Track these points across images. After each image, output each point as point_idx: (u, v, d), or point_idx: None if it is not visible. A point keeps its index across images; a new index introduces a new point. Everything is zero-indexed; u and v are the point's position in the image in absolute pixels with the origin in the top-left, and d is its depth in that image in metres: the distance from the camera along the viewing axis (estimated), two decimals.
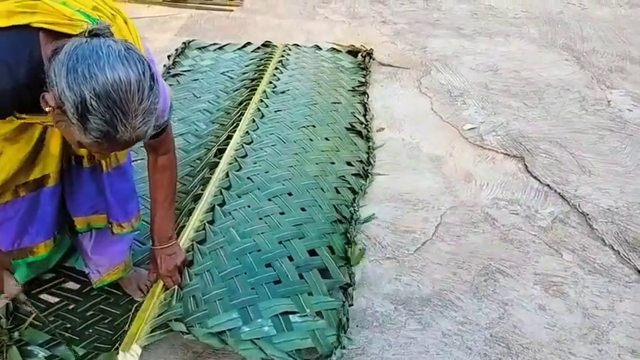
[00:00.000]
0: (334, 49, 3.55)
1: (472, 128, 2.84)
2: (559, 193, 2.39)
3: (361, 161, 2.51)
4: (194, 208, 2.10)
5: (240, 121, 2.68)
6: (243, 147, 2.48)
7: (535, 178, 2.49)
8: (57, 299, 1.82)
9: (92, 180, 1.57)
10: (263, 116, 2.74)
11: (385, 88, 3.21)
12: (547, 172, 2.52)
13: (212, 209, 2.10)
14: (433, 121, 2.91)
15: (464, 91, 3.20)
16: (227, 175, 2.29)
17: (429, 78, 3.33)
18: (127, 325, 1.69)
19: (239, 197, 2.17)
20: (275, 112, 2.79)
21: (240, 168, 2.34)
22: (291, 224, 2.02)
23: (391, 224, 2.22)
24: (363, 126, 2.76)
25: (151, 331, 1.61)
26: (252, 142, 2.53)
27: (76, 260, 1.83)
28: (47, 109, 1.14)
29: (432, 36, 3.89)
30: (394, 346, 1.73)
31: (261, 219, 2.05)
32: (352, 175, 2.40)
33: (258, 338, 1.58)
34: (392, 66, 3.44)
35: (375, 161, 2.55)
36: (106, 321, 1.73)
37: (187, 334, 1.58)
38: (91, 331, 1.71)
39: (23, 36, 1.19)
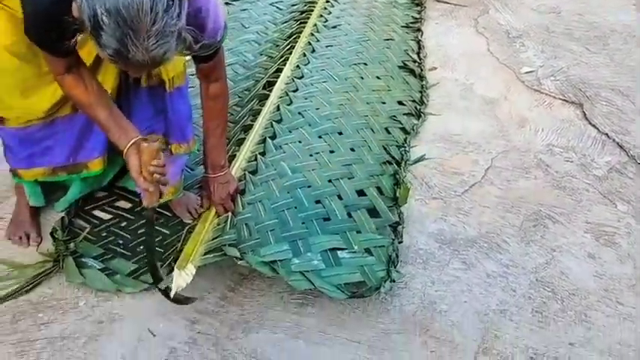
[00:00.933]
0: None
1: (530, 72, 2.73)
2: (617, 143, 2.29)
3: (414, 100, 2.45)
4: (244, 138, 2.10)
5: (290, 54, 2.63)
6: (294, 81, 2.44)
7: (593, 126, 2.39)
8: (109, 216, 1.88)
9: (150, 99, 1.58)
10: (314, 51, 2.68)
11: (440, 26, 3.09)
12: (606, 120, 2.41)
13: (263, 141, 2.09)
14: (489, 63, 2.80)
15: (523, 32, 3.05)
16: (278, 108, 2.27)
17: (486, 17, 3.18)
18: (178, 244, 1.74)
19: (290, 132, 2.15)
20: (326, 47, 2.73)
21: (291, 102, 2.31)
22: (340, 164, 2.01)
23: (439, 165, 2.18)
24: (417, 64, 2.68)
25: (205, 254, 1.65)
26: (302, 76, 2.49)
27: (128, 180, 1.87)
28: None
29: None
30: (437, 283, 1.73)
31: (311, 155, 2.04)
32: (404, 114, 2.35)
33: (308, 271, 1.60)
34: (448, 3, 3.30)
35: (428, 100, 2.49)
36: (156, 239, 1.77)
37: (240, 259, 1.61)
38: (142, 247, 1.76)
39: None
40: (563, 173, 2.15)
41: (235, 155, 2.00)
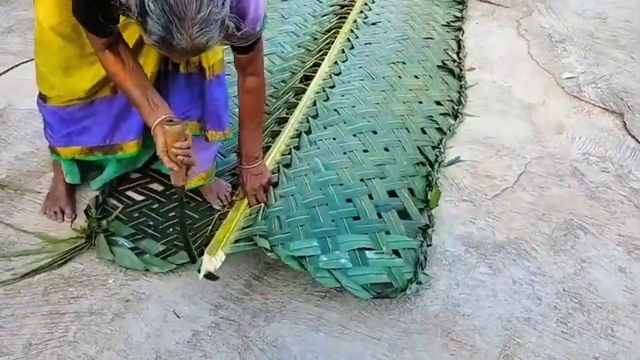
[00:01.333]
0: None
1: (570, 77, 2.67)
2: None
3: (451, 100, 2.43)
4: (279, 131, 2.11)
5: (328, 49, 2.63)
6: (331, 77, 2.44)
7: (633, 137, 2.33)
8: (142, 197, 1.92)
9: (187, 86, 1.60)
10: (353, 47, 2.68)
11: (480, 26, 3.05)
12: None
13: (298, 135, 2.10)
14: (529, 66, 2.75)
15: (566, 37, 2.99)
16: (314, 103, 2.27)
17: (529, 20, 3.13)
18: (208, 229, 1.77)
19: (325, 128, 2.15)
20: (365, 44, 2.72)
21: (328, 98, 2.31)
22: (373, 163, 2.00)
23: (471, 167, 2.16)
24: (456, 64, 2.65)
25: (235, 242, 1.67)
26: (340, 73, 2.48)
27: (162, 163, 1.89)
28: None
29: None
30: (462, 286, 1.72)
31: (345, 153, 2.03)
32: (441, 114, 2.33)
33: (335, 269, 1.61)
34: (490, 3, 3.26)
35: (465, 101, 2.46)
36: (186, 223, 1.80)
37: (270, 252, 1.62)
38: (171, 230, 1.80)
39: None
40: (598, 183, 2.10)
41: (270, 147, 2.02)
